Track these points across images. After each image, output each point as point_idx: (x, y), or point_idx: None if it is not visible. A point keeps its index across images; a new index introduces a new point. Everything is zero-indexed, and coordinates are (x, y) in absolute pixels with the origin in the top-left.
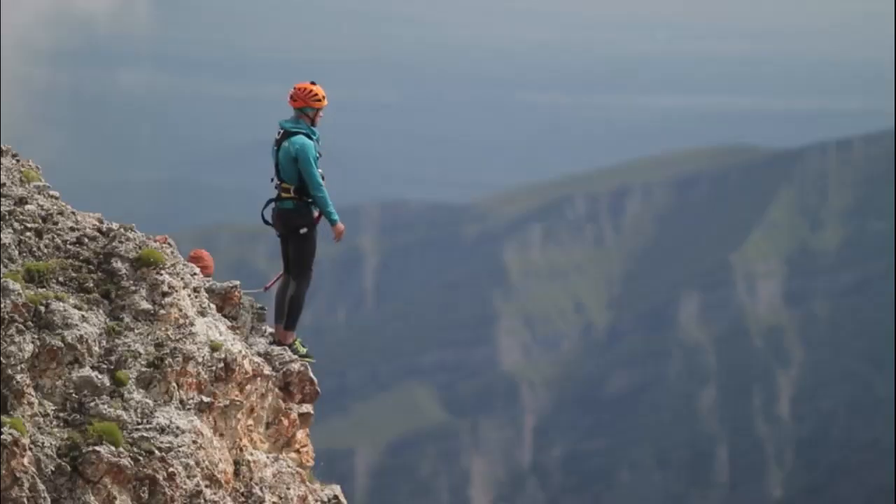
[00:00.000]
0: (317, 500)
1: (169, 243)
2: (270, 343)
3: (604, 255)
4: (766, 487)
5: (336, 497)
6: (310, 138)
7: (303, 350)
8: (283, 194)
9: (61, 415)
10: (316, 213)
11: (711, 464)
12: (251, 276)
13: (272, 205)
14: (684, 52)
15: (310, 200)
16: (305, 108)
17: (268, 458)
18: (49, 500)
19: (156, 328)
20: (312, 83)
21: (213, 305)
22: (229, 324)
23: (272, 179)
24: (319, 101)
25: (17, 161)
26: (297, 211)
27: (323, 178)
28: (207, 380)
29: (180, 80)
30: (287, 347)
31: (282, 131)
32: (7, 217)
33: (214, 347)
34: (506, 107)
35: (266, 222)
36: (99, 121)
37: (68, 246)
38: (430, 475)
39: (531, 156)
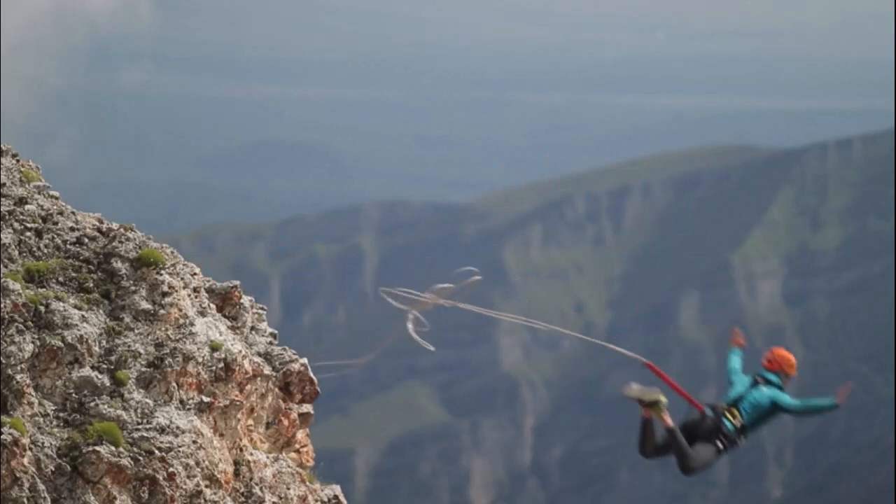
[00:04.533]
0: (317, 500)
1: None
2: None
3: (604, 255)
4: (766, 487)
5: (336, 497)
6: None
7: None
8: (730, 416)
9: (61, 415)
10: (735, 448)
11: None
12: (251, 276)
13: (702, 402)
14: (684, 52)
15: (739, 438)
16: (779, 373)
17: (268, 458)
18: (49, 500)
19: (156, 328)
20: (789, 351)
21: (213, 305)
22: (229, 324)
23: (729, 400)
24: (792, 367)
25: (17, 161)
26: (732, 432)
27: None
28: (207, 380)
29: (181, 80)
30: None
31: (762, 378)
32: (7, 217)
33: (214, 347)
34: (506, 107)
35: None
36: (99, 121)
37: (68, 246)
38: (430, 475)
39: (531, 156)
